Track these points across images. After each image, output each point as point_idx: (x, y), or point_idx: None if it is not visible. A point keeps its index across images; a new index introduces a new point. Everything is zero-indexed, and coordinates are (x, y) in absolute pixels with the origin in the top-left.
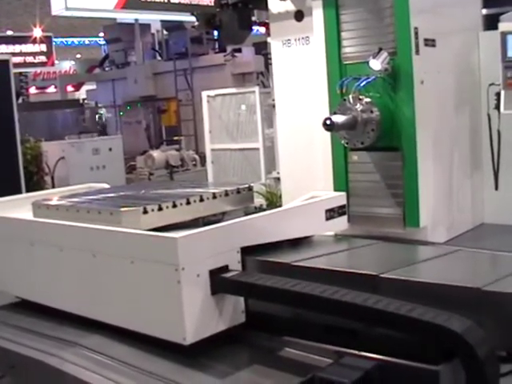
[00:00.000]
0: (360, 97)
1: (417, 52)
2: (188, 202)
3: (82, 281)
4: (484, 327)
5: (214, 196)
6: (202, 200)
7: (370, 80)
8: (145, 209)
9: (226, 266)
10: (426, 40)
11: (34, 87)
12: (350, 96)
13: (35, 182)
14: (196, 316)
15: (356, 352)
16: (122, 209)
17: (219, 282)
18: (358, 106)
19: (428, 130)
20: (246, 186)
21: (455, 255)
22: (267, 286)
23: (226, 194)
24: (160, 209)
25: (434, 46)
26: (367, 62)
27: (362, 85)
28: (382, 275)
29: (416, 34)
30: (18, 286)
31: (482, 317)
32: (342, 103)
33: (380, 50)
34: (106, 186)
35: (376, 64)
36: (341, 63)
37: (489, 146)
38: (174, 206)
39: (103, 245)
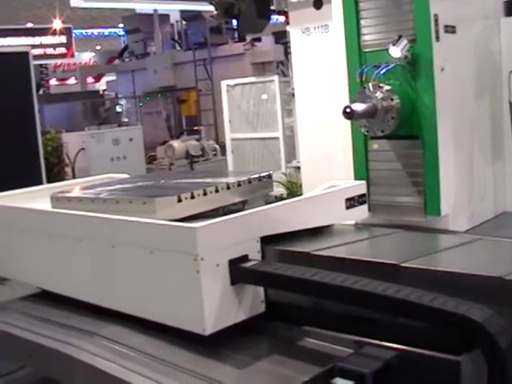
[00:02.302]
0: (380, 85)
1: (437, 39)
2: (217, 190)
3: (101, 271)
4: (505, 317)
5: (239, 184)
6: (228, 188)
7: (389, 67)
8: (179, 197)
9: (246, 256)
10: (446, 27)
11: (54, 79)
12: (370, 84)
13: (56, 174)
14: (215, 306)
15: (376, 342)
16: (157, 198)
17: (239, 271)
18: (378, 94)
19: (448, 117)
20: (267, 173)
21: (476, 244)
22: (287, 275)
23: (249, 181)
24: (192, 197)
25: (454, 32)
26: (387, 50)
27: (381, 72)
28: (402, 264)
29: (436, 20)
30: (38, 277)
31: (504, 306)
32: (361, 91)
33: (400, 37)
34: (126, 176)
35: (396, 51)
36: (360, 51)
37: (510, 134)
38: (205, 193)
39: (122, 235)
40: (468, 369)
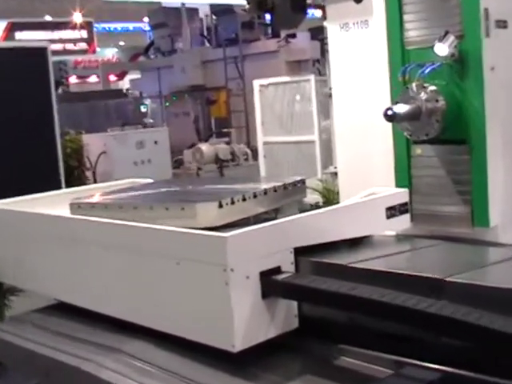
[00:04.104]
0: (424, 85)
1: (487, 35)
2: (255, 196)
3: (123, 282)
4: None
5: (275, 190)
6: (265, 193)
7: (435, 66)
8: (220, 203)
9: (278, 268)
10: (497, 21)
11: (74, 76)
12: (414, 84)
13: (76, 177)
14: (245, 321)
15: (418, 362)
16: (197, 203)
17: (270, 284)
18: (422, 95)
19: (498, 120)
20: (300, 178)
21: None
22: (322, 289)
23: (285, 187)
24: (232, 202)
25: (505, 27)
26: (432, 47)
27: (426, 72)
28: (447, 279)
29: (486, 14)
30: (55, 288)
31: None
32: (404, 92)
33: (446, 33)
34: (150, 181)
35: (442, 48)
36: (403, 48)
37: None
38: (244, 199)
39: (147, 244)
40: None
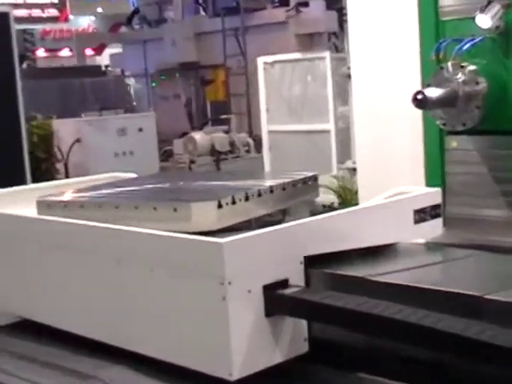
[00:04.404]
0: (462, 64)
1: None
2: (259, 194)
3: (100, 297)
4: None
5: (283, 187)
6: (271, 192)
7: (475, 41)
8: (219, 202)
9: (286, 281)
10: None
11: (42, 49)
12: (449, 63)
13: (44, 171)
14: (246, 344)
15: None
16: (193, 203)
17: (276, 300)
18: (460, 76)
19: None
20: (312, 174)
21: None
22: (337, 306)
23: (294, 184)
24: (233, 202)
25: None
26: (473, 18)
27: (464, 48)
28: (486, 297)
29: None
30: (17, 303)
31: None
32: (437, 72)
33: (490, 1)
34: (134, 176)
35: (485, 20)
36: (437, 20)
37: None
38: (247, 198)
39: (130, 251)
40: None
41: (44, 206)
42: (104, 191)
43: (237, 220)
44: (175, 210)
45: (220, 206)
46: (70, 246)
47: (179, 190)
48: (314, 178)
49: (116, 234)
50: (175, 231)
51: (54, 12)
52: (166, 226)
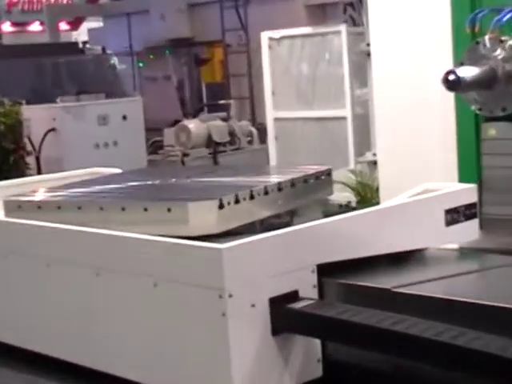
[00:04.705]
0: (502, 38)
1: None
2: (266, 192)
3: (80, 314)
4: None
5: (292, 184)
6: (279, 189)
7: None
8: (221, 201)
9: (295, 293)
10: None
11: (8, 23)
12: (487, 37)
13: (12, 165)
14: (249, 367)
15: None
16: (190, 203)
17: (284, 315)
18: (499, 53)
19: None
20: (325, 169)
21: None
22: (356, 323)
23: (305, 181)
24: (237, 201)
25: None
26: None
27: (504, 19)
28: None
29: None
30: None
31: None
32: (473, 48)
33: None
34: (118, 171)
35: None
36: None
37: None
38: (252, 197)
39: (116, 259)
40: None
41: (13, 206)
42: (84, 190)
43: (240, 222)
44: (169, 210)
45: (221, 206)
46: (46, 254)
47: (172, 188)
48: (328, 173)
49: (101, 240)
50: (169, 236)
51: None
52: (159, 229)
